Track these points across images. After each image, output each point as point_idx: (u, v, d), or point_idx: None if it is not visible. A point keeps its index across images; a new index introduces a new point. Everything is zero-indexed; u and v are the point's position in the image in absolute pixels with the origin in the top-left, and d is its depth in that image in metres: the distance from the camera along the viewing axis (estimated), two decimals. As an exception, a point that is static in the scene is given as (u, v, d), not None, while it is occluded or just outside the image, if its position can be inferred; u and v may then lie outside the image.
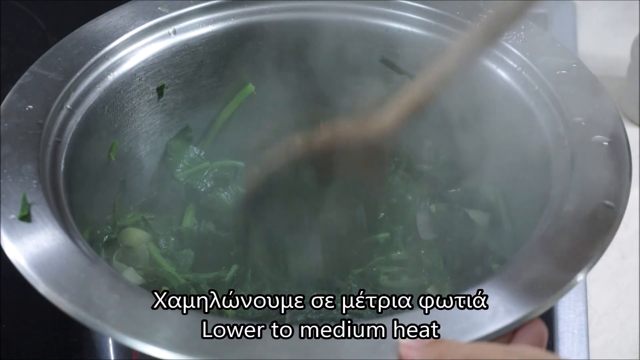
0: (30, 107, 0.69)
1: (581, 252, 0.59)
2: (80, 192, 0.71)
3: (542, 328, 0.56)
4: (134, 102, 0.80)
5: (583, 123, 0.69)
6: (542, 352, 0.53)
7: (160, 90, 0.82)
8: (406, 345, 0.53)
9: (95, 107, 0.75)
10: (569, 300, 0.85)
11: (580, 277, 0.57)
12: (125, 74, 0.78)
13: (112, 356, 0.79)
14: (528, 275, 0.58)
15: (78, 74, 0.73)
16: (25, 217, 0.60)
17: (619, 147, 0.67)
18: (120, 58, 0.77)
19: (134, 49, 0.79)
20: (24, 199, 0.61)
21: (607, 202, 0.62)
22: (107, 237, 0.79)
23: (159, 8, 0.81)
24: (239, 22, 0.84)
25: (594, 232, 0.60)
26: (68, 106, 0.72)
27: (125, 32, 0.78)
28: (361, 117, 0.75)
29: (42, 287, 0.55)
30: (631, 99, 1.08)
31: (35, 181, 0.63)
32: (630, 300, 0.88)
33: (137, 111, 0.81)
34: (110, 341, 0.81)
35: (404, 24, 0.83)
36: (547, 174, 0.69)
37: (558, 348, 0.81)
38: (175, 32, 0.81)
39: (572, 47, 1.14)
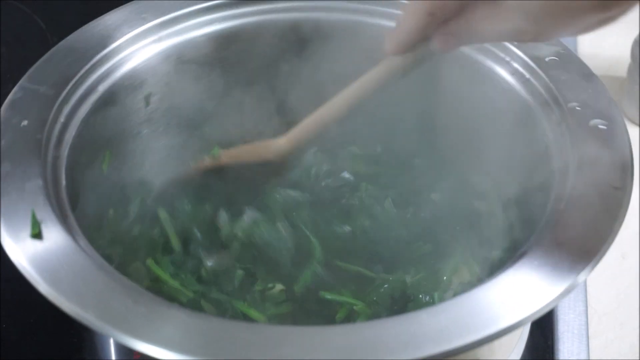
0: (25, 122, 0.68)
1: (593, 238, 0.59)
2: (78, 207, 0.70)
3: None
4: (122, 112, 0.79)
5: (578, 108, 0.70)
6: None
7: (147, 99, 0.81)
8: None
9: (88, 119, 0.73)
10: (569, 300, 0.85)
11: (596, 260, 0.58)
12: (114, 84, 0.77)
13: (113, 356, 0.78)
14: (541, 265, 0.58)
15: (69, 86, 0.72)
16: (37, 235, 0.59)
17: (617, 130, 0.68)
18: (108, 68, 0.76)
19: (121, 58, 0.77)
20: (34, 216, 0.60)
21: (614, 184, 0.63)
22: (102, 252, 0.78)
23: (143, 16, 0.80)
24: (224, 27, 0.83)
25: (603, 216, 0.61)
26: (62, 120, 0.71)
27: (111, 42, 0.77)
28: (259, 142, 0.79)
29: (66, 306, 0.54)
30: (631, 99, 1.08)
31: (41, 197, 0.62)
32: (630, 300, 0.88)
33: (126, 121, 0.80)
34: (111, 341, 0.80)
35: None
36: (547, 160, 0.69)
37: (558, 348, 0.81)
38: (160, 39, 0.80)
39: (572, 47, 1.13)
